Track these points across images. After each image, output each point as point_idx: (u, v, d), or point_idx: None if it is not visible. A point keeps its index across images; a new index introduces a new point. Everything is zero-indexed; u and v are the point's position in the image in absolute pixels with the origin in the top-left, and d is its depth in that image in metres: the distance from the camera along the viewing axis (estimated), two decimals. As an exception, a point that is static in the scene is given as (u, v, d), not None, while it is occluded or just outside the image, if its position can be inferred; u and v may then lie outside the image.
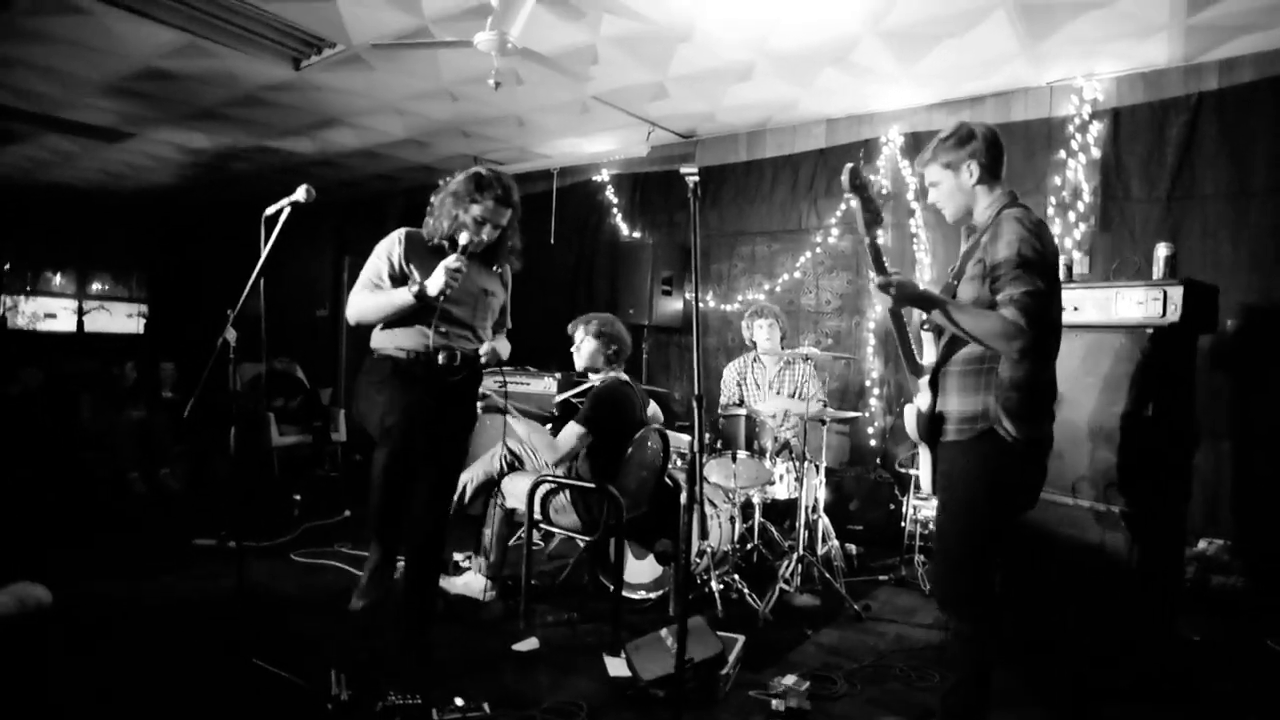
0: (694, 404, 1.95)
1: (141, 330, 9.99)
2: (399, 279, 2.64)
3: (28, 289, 9.55)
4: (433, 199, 2.69)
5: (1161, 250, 2.90)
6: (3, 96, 5.02)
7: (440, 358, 2.64)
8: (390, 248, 2.67)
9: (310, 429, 5.83)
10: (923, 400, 2.15)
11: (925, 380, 2.15)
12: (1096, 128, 4.08)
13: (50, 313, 9.60)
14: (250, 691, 2.43)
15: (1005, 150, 2.13)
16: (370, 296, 2.65)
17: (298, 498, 4.69)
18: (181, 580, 3.47)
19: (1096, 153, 4.07)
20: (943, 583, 2.24)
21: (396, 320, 2.64)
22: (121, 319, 9.99)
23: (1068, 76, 4.12)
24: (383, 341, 2.70)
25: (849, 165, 1.98)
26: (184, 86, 4.72)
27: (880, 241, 2.06)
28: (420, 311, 2.59)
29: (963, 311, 2.01)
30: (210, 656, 2.64)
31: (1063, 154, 4.10)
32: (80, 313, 9.72)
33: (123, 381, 5.75)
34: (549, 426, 3.48)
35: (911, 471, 3.87)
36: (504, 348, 2.94)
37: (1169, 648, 2.84)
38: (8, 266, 9.37)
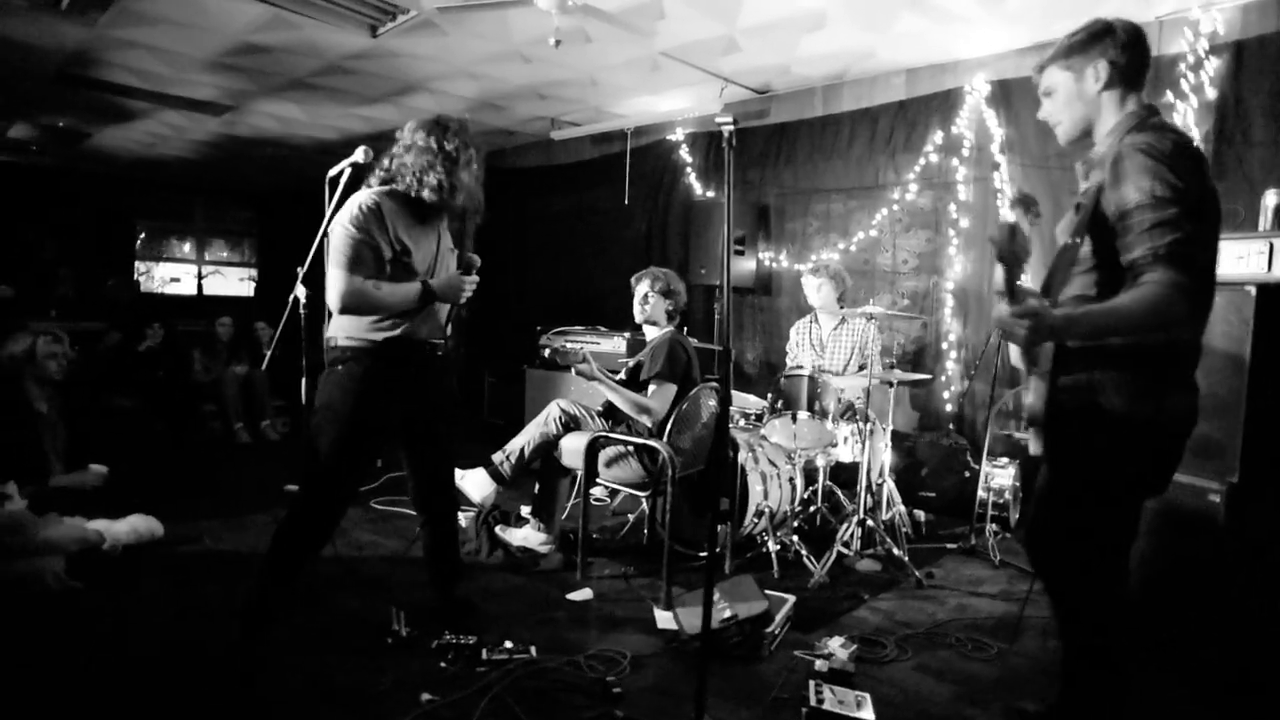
0: (721, 357, 1.93)
1: (252, 293, 10.73)
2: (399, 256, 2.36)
3: (163, 256, 10.44)
4: (405, 156, 2.36)
5: (1271, 198, 2.61)
6: (124, 76, 5.43)
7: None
8: (374, 219, 2.30)
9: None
10: (1035, 390, 1.79)
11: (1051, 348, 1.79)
12: (1213, 64, 3.68)
13: (175, 277, 10.46)
14: (322, 623, 2.63)
15: (1149, 56, 1.74)
16: (375, 289, 2.32)
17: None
18: (271, 522, 3.76)
19: (1211, 93, 3.68)
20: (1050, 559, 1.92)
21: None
22: (235, 283, 10.77)
23: (1181, 8, 3.73)
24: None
25: (1003, 227, 1.59)
26: (274, 59, 4.96)
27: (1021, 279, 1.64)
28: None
29: (1108, 313, 1.57)
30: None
31: (1170, 96, 3.73)
32: (200, 277, 10.54)
33: (219, 338, 6.21)
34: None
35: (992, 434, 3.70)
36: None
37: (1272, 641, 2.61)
38: (143, 236, 10.25)
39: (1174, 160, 1.56)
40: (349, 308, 2.29)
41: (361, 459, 2.41)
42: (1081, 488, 1.77)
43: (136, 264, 10.13)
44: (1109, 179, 1.62)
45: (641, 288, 3.48)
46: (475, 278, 2.51)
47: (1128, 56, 1.71)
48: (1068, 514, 1.81)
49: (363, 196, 2.32)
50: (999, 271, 1.64)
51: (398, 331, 2.37)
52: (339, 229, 2.29)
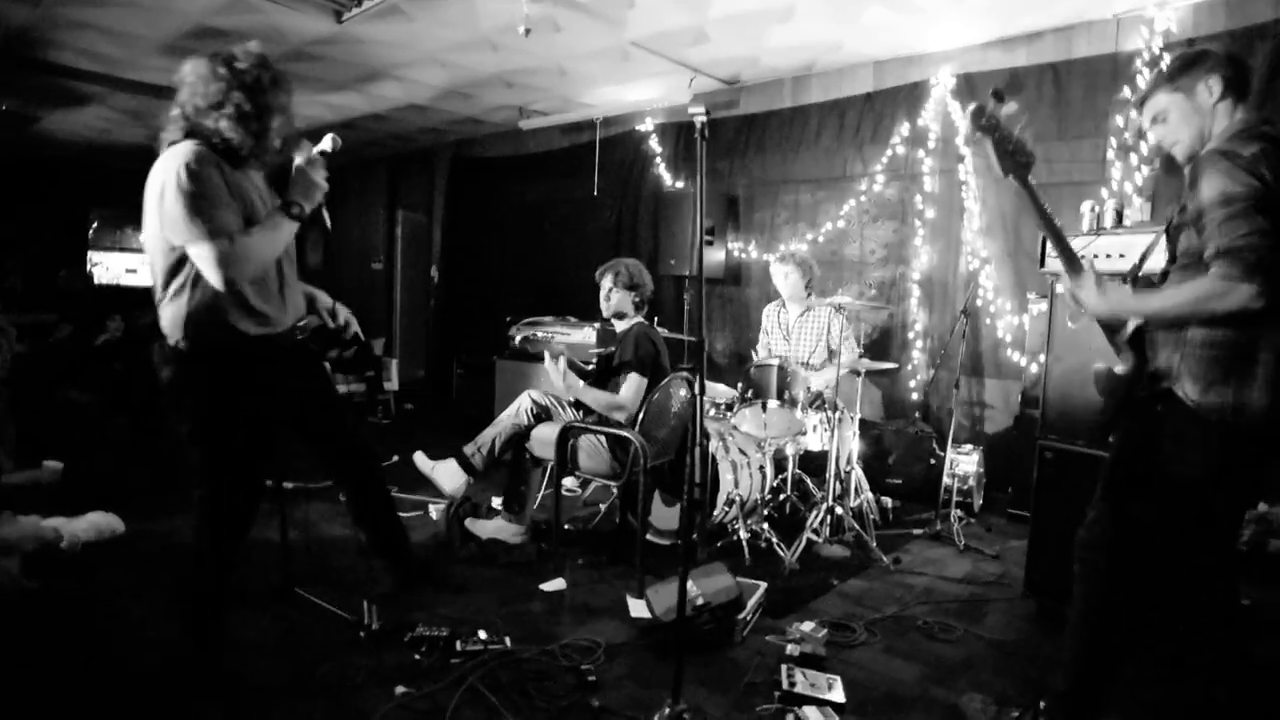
0: (694, 348, 1.95)
1: (213, 284, 10.46)
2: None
3: (119, 246, 10.11)
4: (198, 99, 2.10)
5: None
6: (74, 59, 5.25)
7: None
8: (208, 171, 1.98)
9: (363, 378, 6.08)
10: (1123, 363, 1.84)
11: (1126, 338, 1.84)
12: (1168, 61, 3.79)
13: (131, 268, 10.14)
14: (292, 618, 2.60)
15: (1250, 71, 1.80)
16: (249, 237, 2.02)
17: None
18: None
19: (1166, 89, 3.79)
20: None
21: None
22: (194, 273, 10.48)
23: (1137, 6, 3.83)
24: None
25: (972, 106, 1.70)
26: (234, 43, 4.82)
27: (1037, 191, 1.75)
28: None
29: (1160, 296, 1.70)
30: (258, 586, 2.82)
31: (1127, 91, 3.83)
32: (157, 267, 10.24)
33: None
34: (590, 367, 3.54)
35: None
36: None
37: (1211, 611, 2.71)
38: (96, 225, 9.92)
39: (1254, 160, 1.58)
40: (235, 272, 1.98)
41: (257, 458, 2.33)
42: (1143, 481, 1.78)
43: (90, 254, 9.80)
44: (1189, 180, 1.66)
45: (605, 283, 3.48)
46: (321, 150, 2.29)
47: (1233, 70, 1.75)
48: (1125, 507, 1.83)
49: (184, 154, 1.96)
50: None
51: (263, 328, 2.15)
52: (175, 204, 1.93)
